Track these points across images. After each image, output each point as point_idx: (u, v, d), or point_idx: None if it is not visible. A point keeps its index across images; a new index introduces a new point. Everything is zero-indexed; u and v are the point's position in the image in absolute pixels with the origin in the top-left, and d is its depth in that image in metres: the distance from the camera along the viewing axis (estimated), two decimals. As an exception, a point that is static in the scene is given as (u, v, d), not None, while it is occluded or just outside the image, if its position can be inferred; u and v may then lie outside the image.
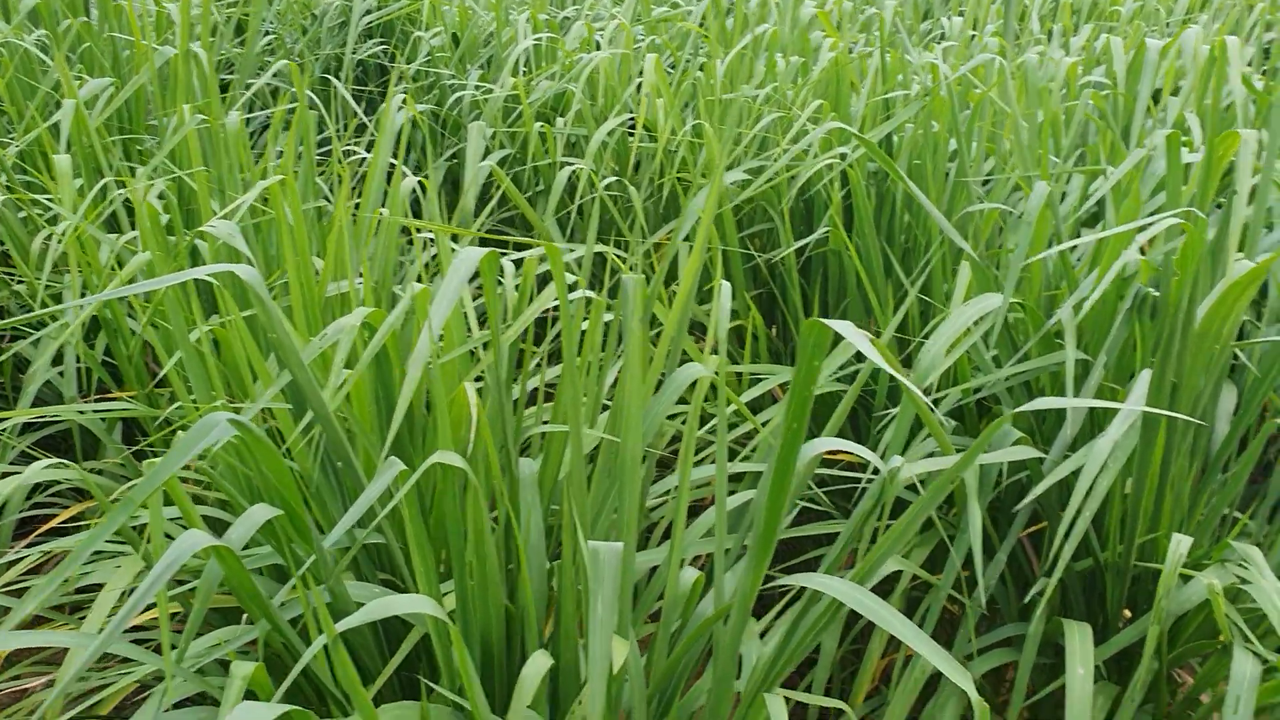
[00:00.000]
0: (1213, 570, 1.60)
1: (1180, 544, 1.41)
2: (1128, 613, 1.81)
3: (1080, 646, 1.56)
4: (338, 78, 3.30)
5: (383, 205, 2.32)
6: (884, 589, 2.00)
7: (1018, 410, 1.12)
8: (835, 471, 2.01)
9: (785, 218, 2.11)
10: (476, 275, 2.16)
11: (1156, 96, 3.23)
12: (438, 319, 1.13)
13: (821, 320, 0.94)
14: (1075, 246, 2.38)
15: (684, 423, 1.89)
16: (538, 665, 1.09)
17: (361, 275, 1.73)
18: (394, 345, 1.44)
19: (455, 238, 2.28)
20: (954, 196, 2.12)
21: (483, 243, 2.81)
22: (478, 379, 1.83)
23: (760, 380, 1.94)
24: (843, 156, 2.05)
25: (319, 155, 2.61)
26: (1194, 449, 1.81)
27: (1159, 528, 1.68)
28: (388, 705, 1.25)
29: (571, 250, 2.25)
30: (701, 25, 3.18)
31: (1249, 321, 2.22)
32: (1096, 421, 1.77)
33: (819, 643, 1.91)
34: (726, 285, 1.40)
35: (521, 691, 1.07)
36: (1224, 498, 1.82)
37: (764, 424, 1.77)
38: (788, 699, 2.10)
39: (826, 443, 1.31)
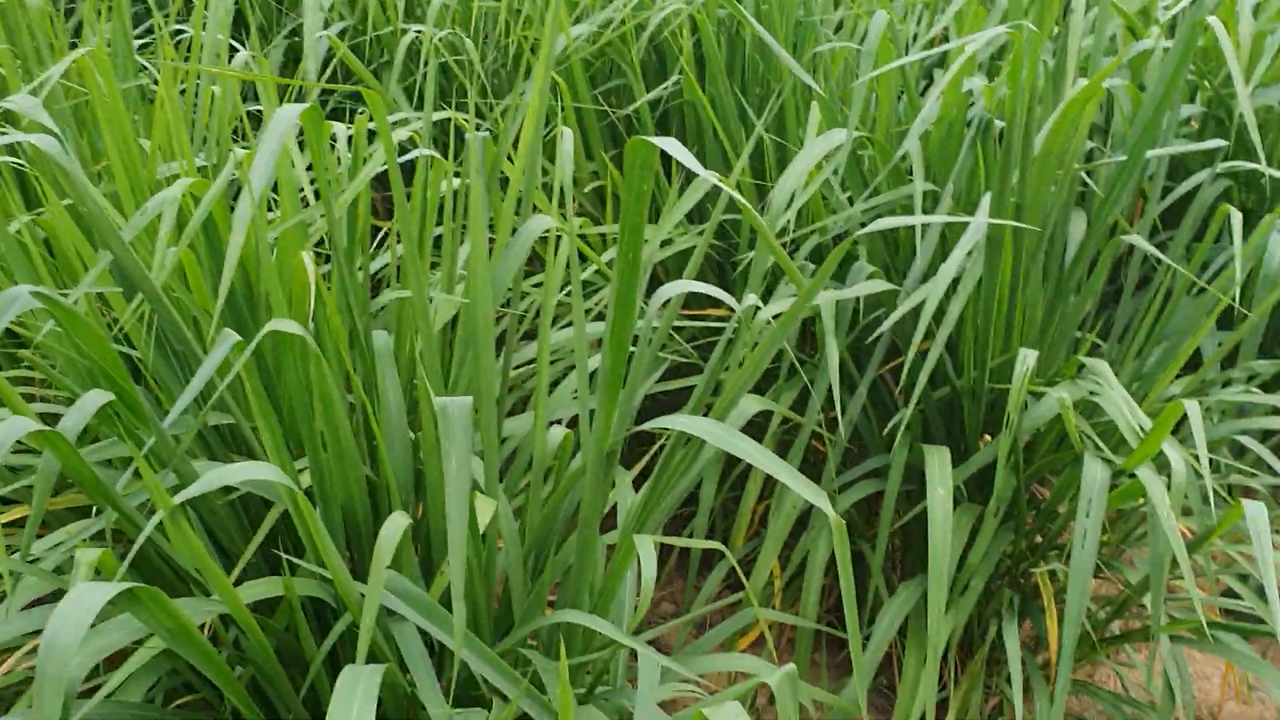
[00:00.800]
0: (1064, 386, 1.65)
1: (1027, 358, 1.45)
2: (988, 437, 1.87)
3: (939, 469, 1.61)
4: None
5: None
6: (757, 435, 2.02)
7: (860, 234, 1.13)
8: (708, 324, 2.01)
9: (636, 69, 2.06)
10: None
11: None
12: (257, 180, 1.07)
13: (646, 139, 0.92)
14: (928, 86, 2.39)
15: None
16: (395, 525, 1.08)
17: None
18: (224, 220, 1.37)
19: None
20: (805, 39, 2.10)
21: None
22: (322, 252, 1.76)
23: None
24: (689, 1, 2.01)
25: (144, 38, 2.45)
26: (1046, 273, 1.85)
27: (1011, 350, 1.72)
28: (251, 582, 1.23)
29: (420, 119, 2.17)
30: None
31: (1097, 148, 2.27)
32: (948, 254, 1.80)
33: (697, 493, 1.95)
34: (568, 131, 1.36)
35: (380, 552, 1.06)
36: (1073, 318, 1.88)
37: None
38: (665, 545, 2.15)
39: (679, 285, 1.30)
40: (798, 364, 1.73)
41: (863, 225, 1.78)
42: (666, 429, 1.27)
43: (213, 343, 1.09)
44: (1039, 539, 1.81)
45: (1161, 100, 1.73)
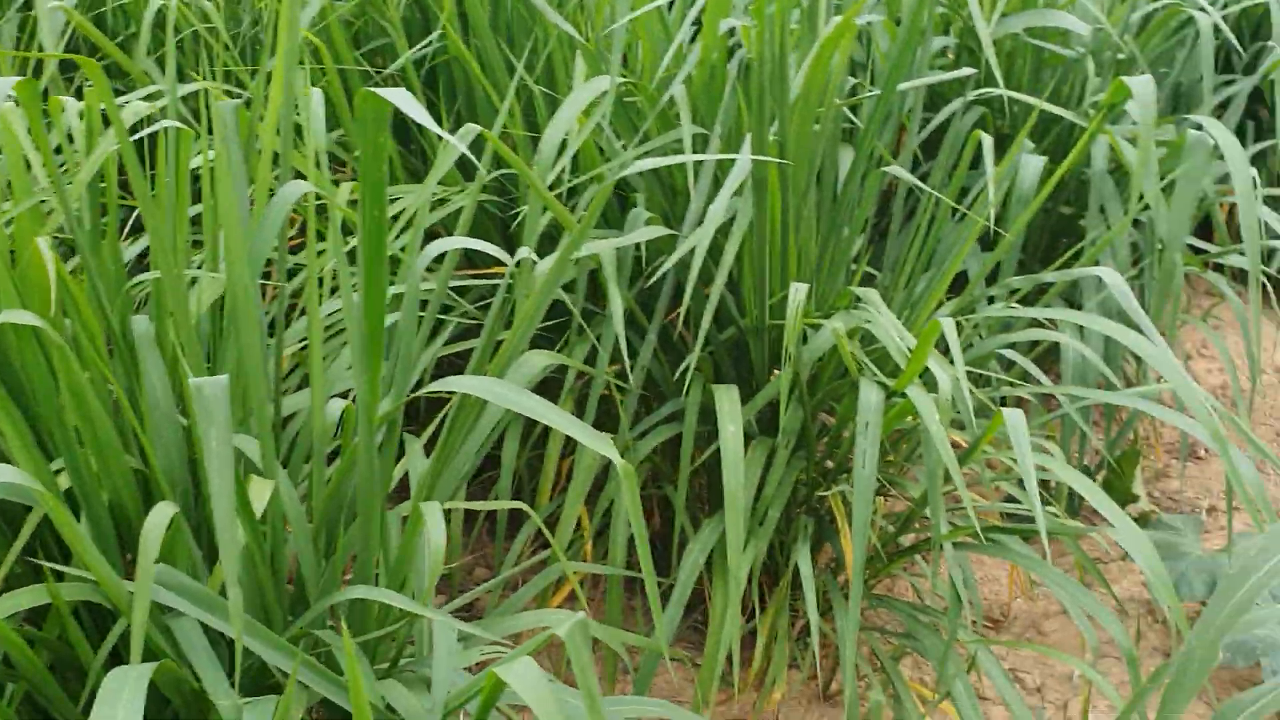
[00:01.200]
0: (839, 316, 1.71)
1: (798, 291, 1.49)
2: (777, 372, 1.92)
3: (729, 408, 1.64)
4: None
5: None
6: (553, 391, 2.02)
7: (622, 175, 1.13)
8: (495, 283, 1.99)
9: (398, 27, 2.00)
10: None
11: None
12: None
13: (374, 91, 0.89)
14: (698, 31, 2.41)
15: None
16: (159, 516, 1.02)
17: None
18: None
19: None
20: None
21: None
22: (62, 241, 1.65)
23: (395, 200, 1.87)
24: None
25: None
26: (818, 209, 1.91)
27: (788, 286, 1.77)
28: (12, 592, 1.15)
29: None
30: None
31: (860, 84, 2.35)
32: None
33: (498, 454, 1.93)
34: (316, 92, 1.31)
35: (145, 546, 1.01)
36: (846, 251, 1.95)
37: (401, 249, 1.71)
38: (468, 510, 2.13)
39: (449, 242, 1.27)
40: (581, 320, 1.73)
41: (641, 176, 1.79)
42: (450, 392, 1.25)
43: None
44: (830, 465, 1.87)
45: (909, 34, 1.79)
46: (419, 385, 1.36)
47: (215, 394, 1.00)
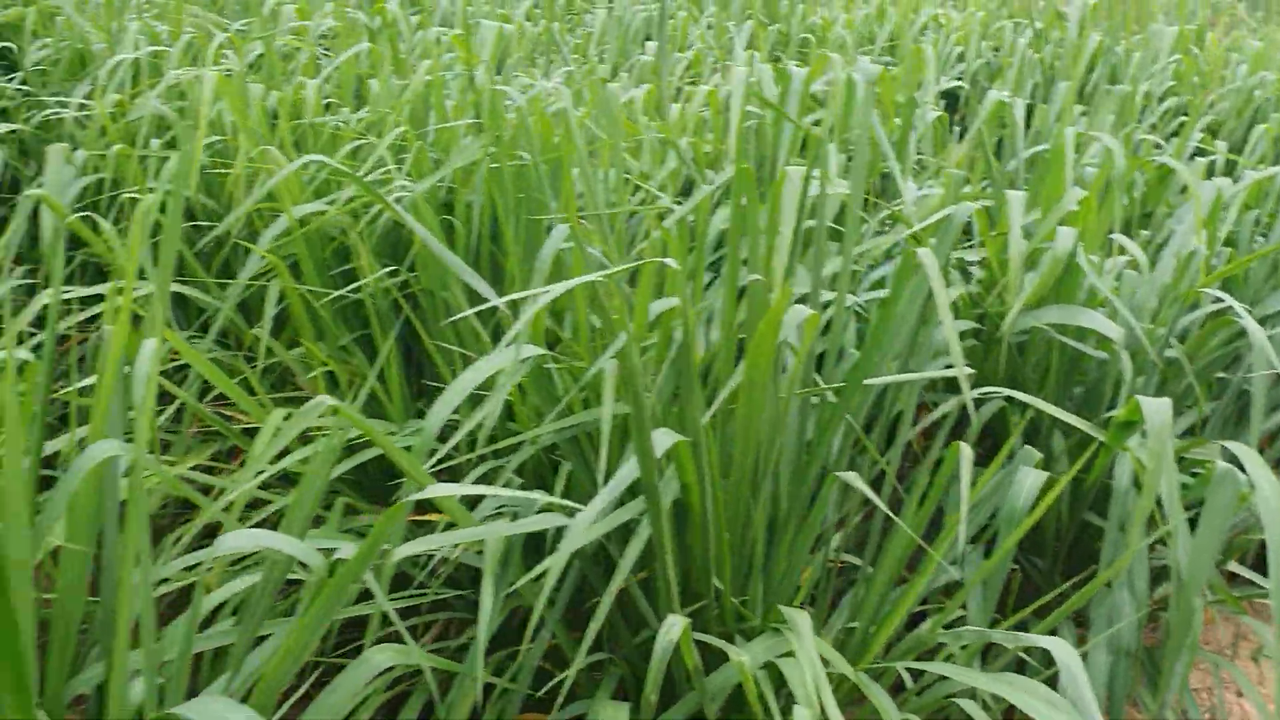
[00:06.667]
0: (759, 641, 1.48)
1: (672, 628, 1.26)
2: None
3: (610, 736, 1.40)
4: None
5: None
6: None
7: (405, 501, 0.94)
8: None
9: (365, 250, 1.90)
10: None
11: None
12: None
13: None
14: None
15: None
16: None
17: None
18: None
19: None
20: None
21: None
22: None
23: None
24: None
25: None
26: (774, 502, 1.70)
27: (722, 589, 1.55)
28: None
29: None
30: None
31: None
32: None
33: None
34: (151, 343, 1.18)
35: None
36: (800, 550, 1.72)
37: None
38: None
39: (244, 535, 1.10)
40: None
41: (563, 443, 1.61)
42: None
43: None
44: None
45: (880, 323, 1.61)
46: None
47: None
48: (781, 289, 1.34)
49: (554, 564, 1.25)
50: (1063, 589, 2.05)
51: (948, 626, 1.83)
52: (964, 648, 1.58)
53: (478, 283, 1.46)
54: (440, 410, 1.38)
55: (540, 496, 1.28)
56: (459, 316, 1.68)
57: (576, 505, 1.37)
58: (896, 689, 1.73)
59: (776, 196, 1.57)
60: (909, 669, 1.68)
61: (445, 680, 1.71)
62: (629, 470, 1.32)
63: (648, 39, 4.74)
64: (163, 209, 2.12)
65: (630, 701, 1.52)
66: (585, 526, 1.28)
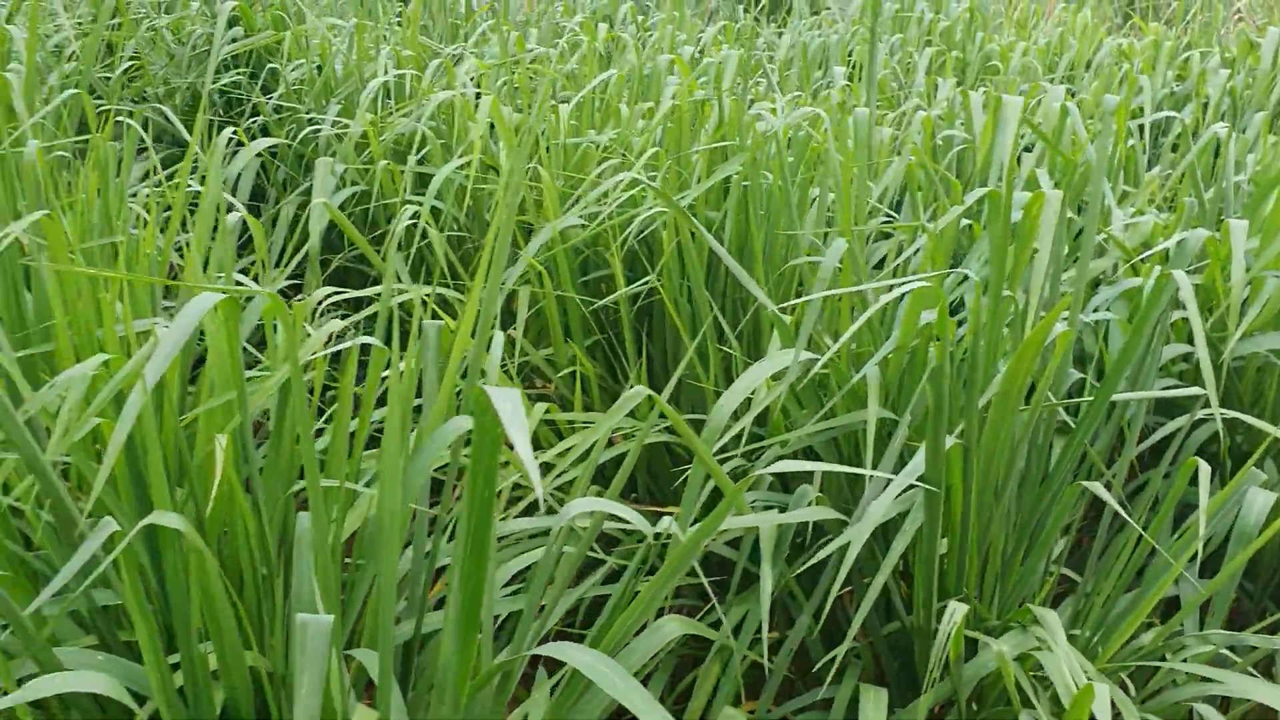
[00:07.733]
0: (1009, 637, 1.58)
1: (956, 612, 1.38)
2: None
3: (873, 712, 1.53)
4: (195, 108, 3.22)
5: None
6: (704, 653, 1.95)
7: (756, 474, 1.08)
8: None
9: (617, 264, 2.07)
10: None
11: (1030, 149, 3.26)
12: (153, 372, 1.06)
13: (485, 389, 0.90)
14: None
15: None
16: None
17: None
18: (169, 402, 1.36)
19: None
20: (787, 249, 2.10)
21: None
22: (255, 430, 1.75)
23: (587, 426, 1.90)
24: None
25: (155, 188, 2.52)
26: (1017, 509, 1.79)
27: (967, 588, 1.65)
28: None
29: (406, 291, 2.19)
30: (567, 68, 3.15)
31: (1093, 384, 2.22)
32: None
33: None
34: (499, 335, 1.35)
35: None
36: (1039, 554, 1.81)
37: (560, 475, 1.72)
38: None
39: (589, 503, 1.26)
40: (706, 589, 1.67)
41: (825, 446, 1.74)
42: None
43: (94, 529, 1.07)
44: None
45: (1129, 344, 1.69)
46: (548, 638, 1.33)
47: (316, 634, 1.00)
48: (1056, 306, 1.45)
49: (855, 536, 1.38)
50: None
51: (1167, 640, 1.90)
52: (1193, 656, 1.65)
53: (756, 290, 1.60)
54: (727, 403, 1.52)
55: (811, 490, 1.41)
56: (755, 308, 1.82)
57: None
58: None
59: (1034, 218, 1.68)
60: (1140, 667, 1.76)
61: (694, 658, 1.85)
62: (915, 464, 1.44)
63: (821, 64, 4.86)
64: (416, 217, 2.33)
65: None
66: (880, 512, 1.40)
